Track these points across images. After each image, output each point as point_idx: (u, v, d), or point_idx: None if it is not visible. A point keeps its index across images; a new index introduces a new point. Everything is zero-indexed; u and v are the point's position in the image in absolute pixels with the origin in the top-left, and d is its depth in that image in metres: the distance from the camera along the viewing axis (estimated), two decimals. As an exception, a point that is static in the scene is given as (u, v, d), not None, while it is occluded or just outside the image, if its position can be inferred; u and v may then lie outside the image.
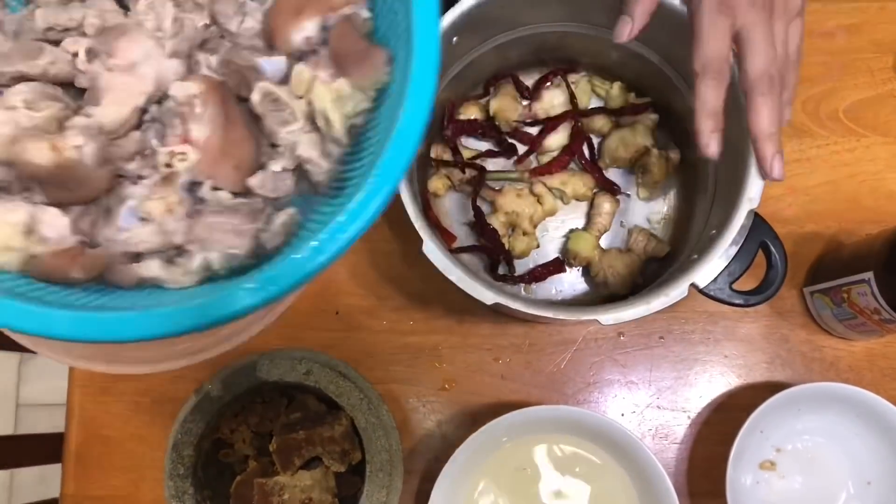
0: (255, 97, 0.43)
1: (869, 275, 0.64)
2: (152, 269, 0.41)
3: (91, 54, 0.43)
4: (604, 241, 0.74)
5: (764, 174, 0.57)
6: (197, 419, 0.61)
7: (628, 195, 0.75)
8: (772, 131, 0.55)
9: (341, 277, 0.74)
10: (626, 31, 0.57)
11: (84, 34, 0.44)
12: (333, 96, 0.41)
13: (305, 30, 0.42)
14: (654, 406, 0.73)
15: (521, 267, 0.73)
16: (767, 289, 0.62)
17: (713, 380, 0.74)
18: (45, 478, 1.45)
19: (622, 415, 0.73)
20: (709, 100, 0.54)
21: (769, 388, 0.69)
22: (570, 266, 0.73)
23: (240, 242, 0.40)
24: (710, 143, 0.54)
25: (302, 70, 0.42)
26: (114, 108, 0.42)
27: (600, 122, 0.74)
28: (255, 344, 0.63)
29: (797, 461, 0.71)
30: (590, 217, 0.74)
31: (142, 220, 0.41)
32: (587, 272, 0.74)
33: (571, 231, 0.74)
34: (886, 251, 0.63)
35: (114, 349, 0.66)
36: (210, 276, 0.41)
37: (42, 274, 0.40)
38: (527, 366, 0.74)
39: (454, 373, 0.73)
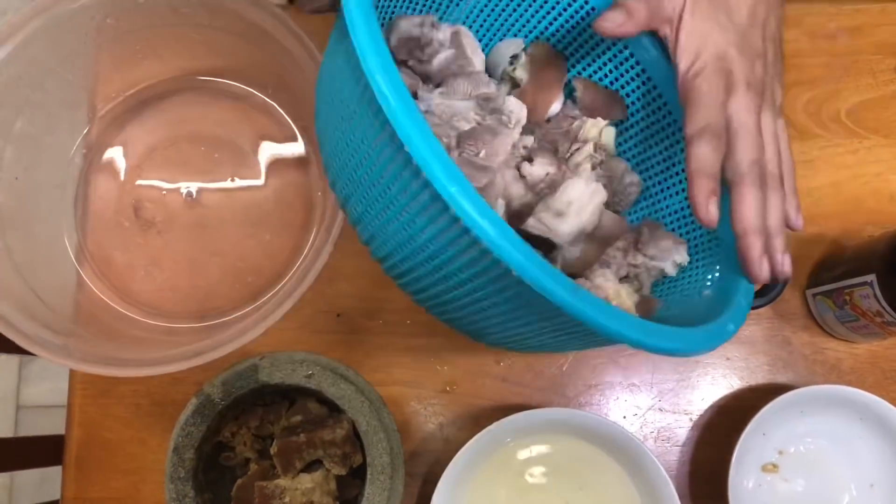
0: None
1: (871, 277, 0.64)
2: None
3: None
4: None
5: (751, 277, 0.50)
6: (198, 422, 0.61)
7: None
8: (758, 225, 0.48)
9: (342, 279, 0.74)
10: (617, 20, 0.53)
11: None
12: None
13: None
14: (655, 408, 0.73)
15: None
16: (770, 291, 0.62)
17: (715, 382, 0.73)
18: (45, 480, 1.45)
19: (624, 417, 0.73)
20: (706, 160, 0.48)
21: (771, 391, 0.69)
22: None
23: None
24: (710, 208, 0.47)
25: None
26: None
27: None
28: (256, 346, 0.63)
29: (799, 464, 0.71)
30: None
31: None
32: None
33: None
34: (889, 253, 0.63)
35: (113, 351, 0.66)
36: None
37: None
38: (528, 368, 0.73)
39: (456, 375, 0.73)
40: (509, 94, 0.61)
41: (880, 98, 0.78)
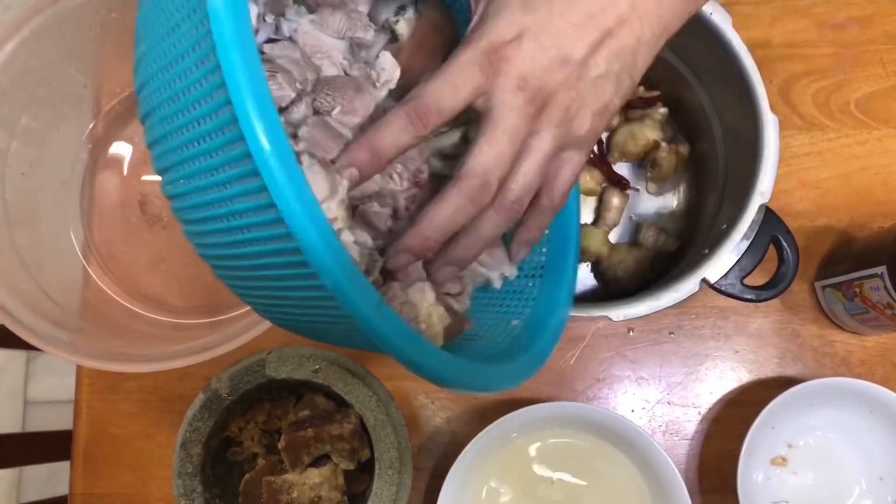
0: None
1: (882, 269, 0.63)
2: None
3: None
4: (613, 237, 0.74)
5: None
6: (205, 417, 0.61)
7: (637, 189, 0.74)
8: (433, 228, 0.40)
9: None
10: None
11: None
12: None
13: None
14: (664, 402, 0.73)
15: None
16: (779, 284, 0.61)
17: (724, 375, 0.73)
18: (53, 475, 1.45)
19: (632, 411, 0.73)
20: (454, 216, 0.40)
21: (780, 384, 0.68)
22: (580, 263, 0.73)
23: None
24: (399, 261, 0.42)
25: None
26: None
27: None
28: (263, 341, 0.62)
29: (809, 457, 0.71)
30: (599, 212, 0.73)
31: None
32: (596, 268, 0.73)
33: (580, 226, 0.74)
34: (899, 245, 0.63)
35: (120, 346, 0.66)
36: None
37: None
38: (536, 362, 0.73)
39: (463, 369, 0.73)
40: (385, 48, 0.51)
41: (890, 88, 0.77)
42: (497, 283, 0.51)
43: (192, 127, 0.35)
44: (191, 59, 0.34)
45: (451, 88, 0.39)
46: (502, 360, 0.47)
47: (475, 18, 0.41)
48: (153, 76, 0.38)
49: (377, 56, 0.50)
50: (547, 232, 0.53)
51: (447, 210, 0.40)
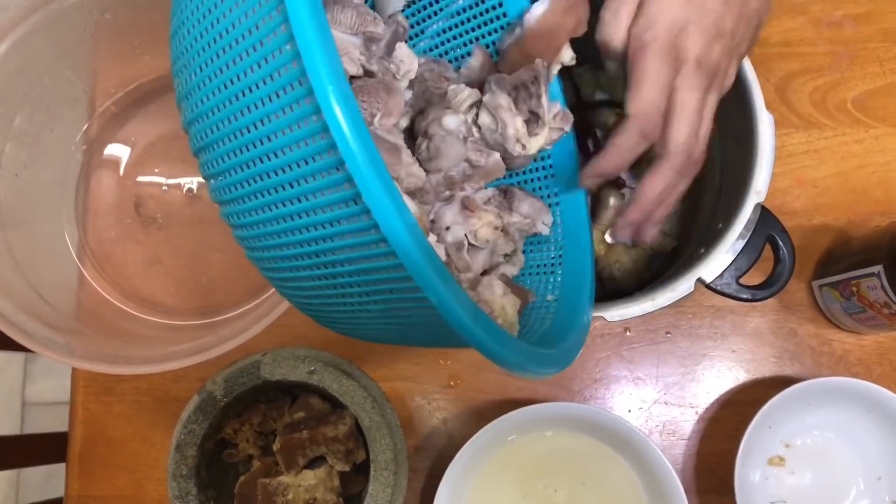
0: None
1: (878, 268, 0.63)
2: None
3: None
4: (609, 236, 0.73)
5: (614, 232, 0.53)
6: (200, 419, 0.61)
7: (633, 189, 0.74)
8: (654, 202, 0.50)
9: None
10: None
11: None
12: None
13: None
14: (661, 402, 0.73)
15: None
16: (775, 283, 0.61)
17: (721, 375, 0.73)
18: (52, 476, 1.45)
19: (629, 411, 0.73)
20: (627, 146, 0.48)
21: (778, 383, 0.68)
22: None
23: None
24: (586, 182, 0.51)
25: None
26: None
27: (605, 115, 0.73)
28: (258, 343, 0.62)
29: (807, 456, 0.71)
30: (594, 212, 0.73)
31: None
32: (595, 271, 0.73)
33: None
34: (896, 244, 0.62)
35: (115, 348, 0.66)
36: None
37: None
38: (532, 362, 0.73)
39: (459, 370, 0.73)
40: (393, 38, 0.53)
41: (887, 86, 0.77)
42: (545, 230, 0.57)
43: (281, 153, 0.35)
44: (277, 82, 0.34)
45: (658, 92, 0.47)
46: (549, 344, 0.50)
47: (639, 13, 0.48)
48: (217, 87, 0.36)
49: (388, 48, 0.50)
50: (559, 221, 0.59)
51: (661, 184, 0.49)
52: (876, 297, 0.64)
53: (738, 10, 0.48)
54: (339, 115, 0.31)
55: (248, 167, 0.36)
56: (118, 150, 0.76)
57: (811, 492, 0.70)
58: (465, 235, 0.51)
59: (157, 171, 0.75)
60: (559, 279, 0.58)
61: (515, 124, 0.52)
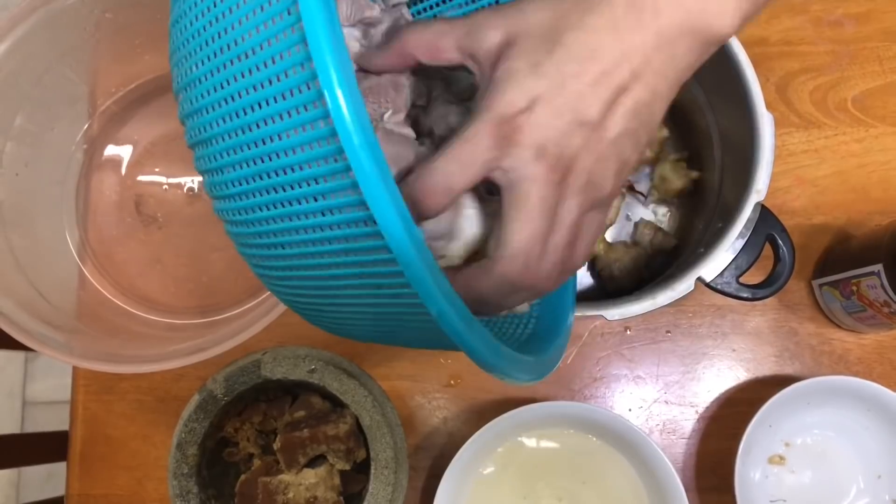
0: None
1: (878, 267, 0.63)
2: None
3: None
4: (609, 235, 0.73)
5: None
6: (200, 418, 0.61)
7: (644, 196, 0.74)
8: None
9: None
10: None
11: None
12: None
13: None
14: (661, 401, 0.73)
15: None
16: (775, 282, 0.61)
17: (721, 374, 0.73)
18: (52, 475, 1.45)
19: (629, 410, 0.73)
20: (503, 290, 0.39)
21: (778, 382, 0.68)
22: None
23: None
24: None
25: None
26: None
27: None
28: (259, 342, 0.62)
29: (807, 455, 0.71)
30: None
31: None
32: (593, 267, 0.73)
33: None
34: (896, 243, 0.62)
35: (115, 347, 0.66)
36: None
37: None
38: (532, 361, 0.73)
39: (460, 369, 0.73)
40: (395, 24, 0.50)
41: (887, 86, 0.77)
42: None
43: (284, 154, 0.33)
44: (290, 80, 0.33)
45: (459, 164, 0.37)
46: (532, 350, 0.49)
47: (481, 89, 0.38)
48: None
49: (388, 35, 0.48)
50: None
51: (489, 291, 0.39)
52: (876, 296, 0.64)
53: (611, 96, 0.37)
54: (347, 120, 0.30)
55: (248, 165, 0.35)
56: (119, 150, 0.76)
57: (811, 490, 0.70)
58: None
59: (157, 170, 0.75)
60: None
61: None
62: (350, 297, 0.38)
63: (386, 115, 0.44)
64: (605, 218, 0.41)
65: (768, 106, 0.61)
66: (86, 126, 0.75)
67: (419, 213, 0.37)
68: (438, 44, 0.40)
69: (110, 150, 0.76)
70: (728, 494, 0.65)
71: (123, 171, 0.75)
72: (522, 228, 0.37)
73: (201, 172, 0.39)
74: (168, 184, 0.75)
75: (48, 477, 1.46)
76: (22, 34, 0.64)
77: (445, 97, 0.51)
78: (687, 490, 0.64)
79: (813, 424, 0.71)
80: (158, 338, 0.71)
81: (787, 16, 0.78)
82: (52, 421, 1.51)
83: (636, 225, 0.73)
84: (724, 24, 0.38)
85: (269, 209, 0.36)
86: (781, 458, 0.71)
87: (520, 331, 0.53)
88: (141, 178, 0.75)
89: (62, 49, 0.68)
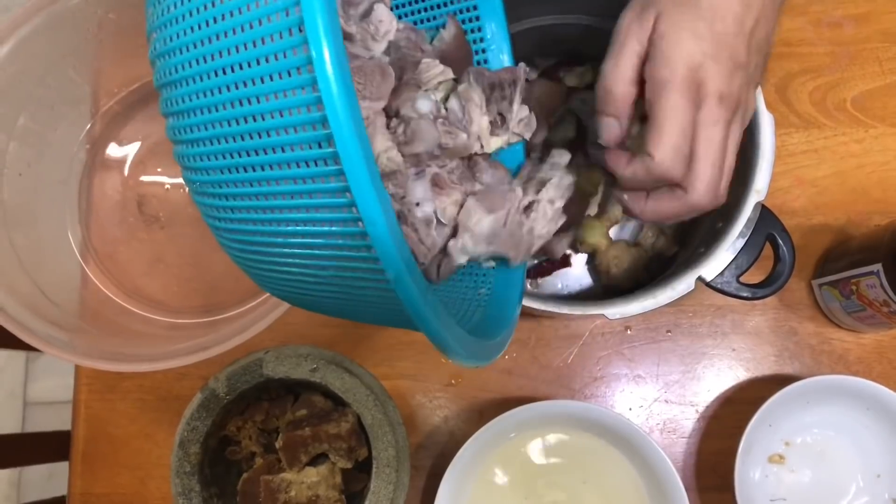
0: None
1: (878, 266, 0.63)
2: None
3: None
4: (612, 232, 0.74)
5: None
6: (203, 417, 0.61)
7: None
8: (652, 219, 0.50)
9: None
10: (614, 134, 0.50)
11: None
12: None
13: None
14: (661, 400, 0.73)
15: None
16: (775, 282, 0.61)
17: (721, 373, 0.73)
18: (53, 475, 1.46)
19: (630, 409, 0.73)
20: (642, 189, 0.49)
21: (778, 382, 0.68)
22: (577, 251, 0.73)
23: None
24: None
25: None
26: None
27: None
28: (261, 341, 0.63)
29: (806, 454, 0.71)
30: (602, 206, 0.73)
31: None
32: (592, 264, 0.73)
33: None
34: (895, 242, 0.63)
35: (118, 346, 0.66)
36: None
37: None
38: (533, 361, 0.73)
39: (460, 368, 0.73)
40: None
41: (886, 86, 0.77)
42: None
43: (256, 100, 0.33)
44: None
45: (681, 134, 0.45)
46: (484, 333, 0.50)
47: (652, 53, 0.46)
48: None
49: (366, 11, 0.49)
50: None
51: (673, 212, 0.48)
52: (875, 295, 0.64)
53: (748, 41, 0.47)
54: (332, 85, 0.30)
55: (218, 108, 0.35)
56: (121, 150, 0.76)
57: (811, 489, 0.70)
58: (435, 212, 0.51)
59: (159, 170, 0.76)
60: (492, 272, 0.57)
61: (481, 123, 0.52)
62: (308, 257, 0.38)
63: (366, 102, 0.45)
64: (742, 129, 0.50)
65: (768, 106, 0.61)
66: (88, 126, 0.75)
67: (666, 179, 0.47)
68: (632, 62, 0.48)
69: (113, 150, 0.76)
70: (728, 493, 0.65)
71: (126, 171, 0.76)
72: (714, 164, 0.46)
73: (166, 115, 0.39)
74: (170, 184, 0.75)
75: (49, 477, 1.46)
76: (25, 35, 0.64)
77: (415, 81, 0.52)
78: (687, 489, 0.64)
79: (812, 424, 0.71)
80: (161, 337, 0.71)
81: (787, 17, 0.78)
82: (53, 421, 1.51)
83: (641, 226, 0.73)
84: None
85: (236, 145, 0.35)
86: (781, 457, 0.71)
87: (468, 318, 0.53)
88: (143, 177, 0.76)
89: (65, 50, 0.69)
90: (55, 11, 0.65)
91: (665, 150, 0.45)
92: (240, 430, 0.65)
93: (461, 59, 0.56)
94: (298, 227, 0.36)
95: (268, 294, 0.71)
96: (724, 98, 0.46)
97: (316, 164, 0.33)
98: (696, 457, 0.72)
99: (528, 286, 0.73)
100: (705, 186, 0.47)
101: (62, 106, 0.72)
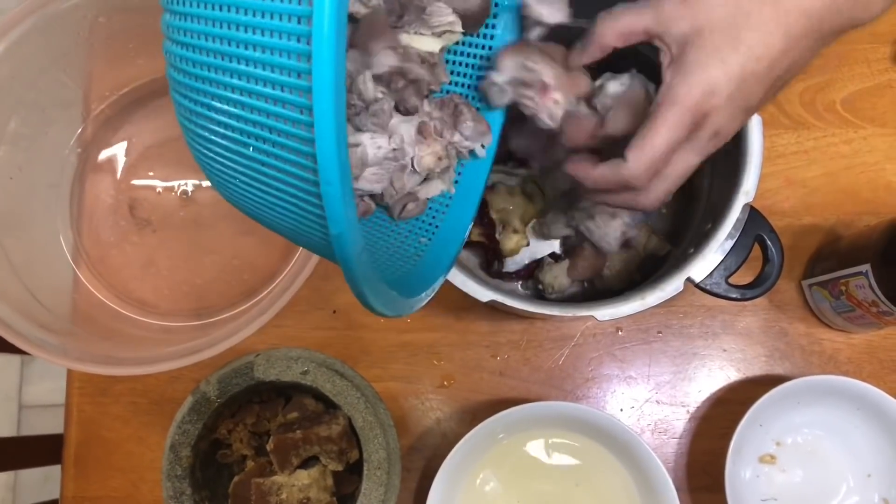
0: None
1: (866, 267, 0.63)
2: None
3: None
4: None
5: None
6: (194, 420, 0.61)
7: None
8: (588, 184, 0.50)
9: (337, 275, 0.74)
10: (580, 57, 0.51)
11: None
12: None
13: None
14: (652, 401, 0.73)
15: (517, 263, 0.73)
16: (764, 283, 0.61)
17: (712, 374, 0.73)
18: (48, 478, 1.45)
19: (621, 410, 0.73)
20: (602, 186, 0.49)
21: (768, 382, 0.69)
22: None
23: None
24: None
25: None
26: None
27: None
28: (252, 343, 0.63)
29: (797, 454, 0.71)
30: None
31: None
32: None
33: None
34: (883, 243, 0.63)
35: (110, 350, 0.66)
36: None
37: None
38: (525, 362, 0.73)
39: (452, 370, 0.73)
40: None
41: (875, 87, 0.78)
42: (482, 154, 0.55)
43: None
44: None
45: (665, 150, 0.45)
46: (404, 287, 0.51)
47: (666, 66, 0.46)
48: None
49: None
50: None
51: (612, 200, 0.50)
52: (864, 295, 0.65)
53: (770, 85, 0.46)
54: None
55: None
56: (113, 153, 0.76)
57: (802, 489, 0.71)
58: (411, 159, 0.51)
59: (151, 174, 0.76)
60: (438, 224, 0.58)
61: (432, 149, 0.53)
62: (264, 184, 0.39)
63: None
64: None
65: (757, 108, 0.61)
66: (80, 130, 0.75)
67: (626, 187, 0.47)
68: (631, 31, 0.47)
69: (104, 154, 0.76)
70: (719, 494, 0.66)
71: (118, 174, 0.76)
72: (676, 185, 0.48)
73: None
74: (162, 187, 0.75)
75: (44, 480, 1.46)
76: (16, 38, 0.64)
77: (419, 20, 0.52)
78: (678, 489, 0.64)
79: (803, 424, 0.71)
80: (152, 340, 0.71)
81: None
82: (48, 424, 1.50)
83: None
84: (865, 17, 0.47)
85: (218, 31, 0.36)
86: (772, 457, 0.71)
87: (399, 264, 0.54)
88: (135, 181, 0.76)
89: (56, 53, 0.69)
90: (46, 15, 0.65)
91: (643, 161, 0.45)
92: (231, 433, 0.65)
93: (476, 23, 0.55)
94: (263, 156, 0.37)
95: (258, 298, 0.72)
96: (719, 134, 0.46)
97: (291, 94, 0.34)
98: (688, 457, 0.72)
99: (518, 287, 0.73)
100: (657, 200, 0.48)
101: (53, 109, 0.73)
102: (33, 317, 0.66)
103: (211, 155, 0.42)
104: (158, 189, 0.75)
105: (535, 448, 0.70)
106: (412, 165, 0.50)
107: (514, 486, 0.70)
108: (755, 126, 0.61)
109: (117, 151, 0.76)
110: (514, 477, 0.70)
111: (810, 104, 0.77)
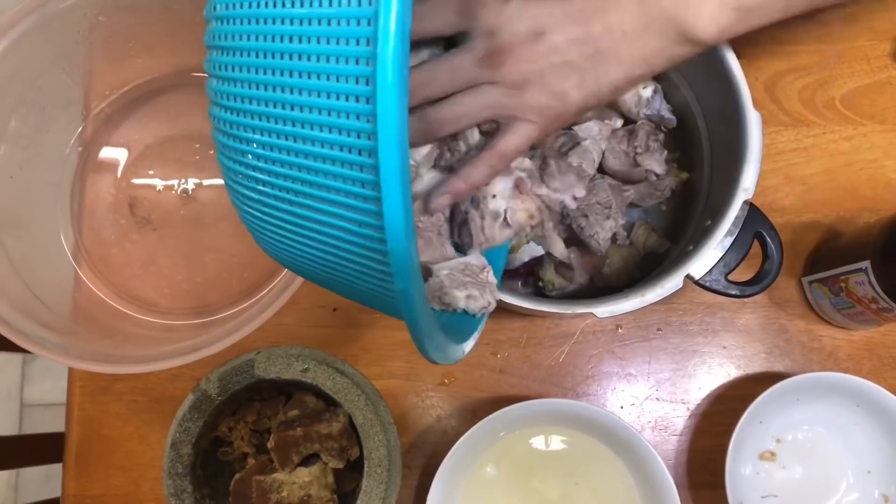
0: None
1: (866, 263, 0.64)
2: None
3: None
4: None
5: None
6: (195, 418, 0.62)
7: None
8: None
9: (338, 274, 0.74)
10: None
11: None
12: None
13: None
14: (652, 398, 0.73)
15: (517, 261, 0.73)
16: (763, 279, 0.61)
17: (712, 371, 0.73)
18: (50, 477, 1.46)
19: (621, 407, 0.73)
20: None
21: (768, 379, 0.69)
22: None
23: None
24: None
25: None
26: None
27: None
28: (252, 341, 0.63)
29: (797, 451, 0.71)
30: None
31: None
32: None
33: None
34: (883, 239, 0.63)
35: (111, 348, 0.66)
36: None
37: None
38: (525, 360, 0.74)
39: (453, 368, 0.73)
40: None
41: (875, 84, 0.78)
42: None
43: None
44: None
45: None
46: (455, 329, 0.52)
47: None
48: None
49: None
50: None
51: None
52: (864, 292, 0.65)
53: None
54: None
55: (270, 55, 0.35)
56: (113, 152, 0.76)
57: (802, 486, 0.71)
58: (505, 211, 0.52)
59: (151, 172, 0.76)
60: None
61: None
62: (322, 243, 0.38)
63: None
64: (530, 132, 0.49)
65: (757, 105, 0.61)
66: (80, 129, 0.75)
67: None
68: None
69: (104, 153, 0.76)
70: (719, 490, 0.66)
71: (118, 173, 0.76)
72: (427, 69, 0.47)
73: (210, 47, 0.38)
74: (162, 186, 0.76)
75: (46, 478, 1.47)
76: (16, 37, 0.64)
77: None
78: (679, 487, 0.65)
79: (803, 421, 0.71)
80: (153, 338, 0.71)
81: (776, 15, 0.78)
82: (50, 423, 1.51)
83: (632, 226, 0.73)
84: (699, 26, 0.47)
85: (274, 100, 0.35)
86: (772, 454, 0.71)
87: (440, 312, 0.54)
88: (135, 180, 0.76)
89: (56, 52, 0.69)
90: (46, 14, 0.65)
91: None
92: (232, 430, 0.66)
93: None
94: (322, 216, 0.36)
95: (259, 296, 0.72)
96: (495, 42, 0.46)
97: (351, 153, 0.33)
98: (688, 454, 0.72)
99: (518, 285, 0.73)
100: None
101: (54, 108, 0.73)
102: (34, 315, 0.66)
103: (262, 216, 0.41)
104: (159, 187, 0.76)
105: (535, 445, 0.70)
106: (504, 218, 0.52)
107: (515, 484, 0.70)
108: (754, 123, 0.61)
109: (117, 150, 0.76)
110: (514, 474, 0.70)
111: (810, 101, 0.77)
